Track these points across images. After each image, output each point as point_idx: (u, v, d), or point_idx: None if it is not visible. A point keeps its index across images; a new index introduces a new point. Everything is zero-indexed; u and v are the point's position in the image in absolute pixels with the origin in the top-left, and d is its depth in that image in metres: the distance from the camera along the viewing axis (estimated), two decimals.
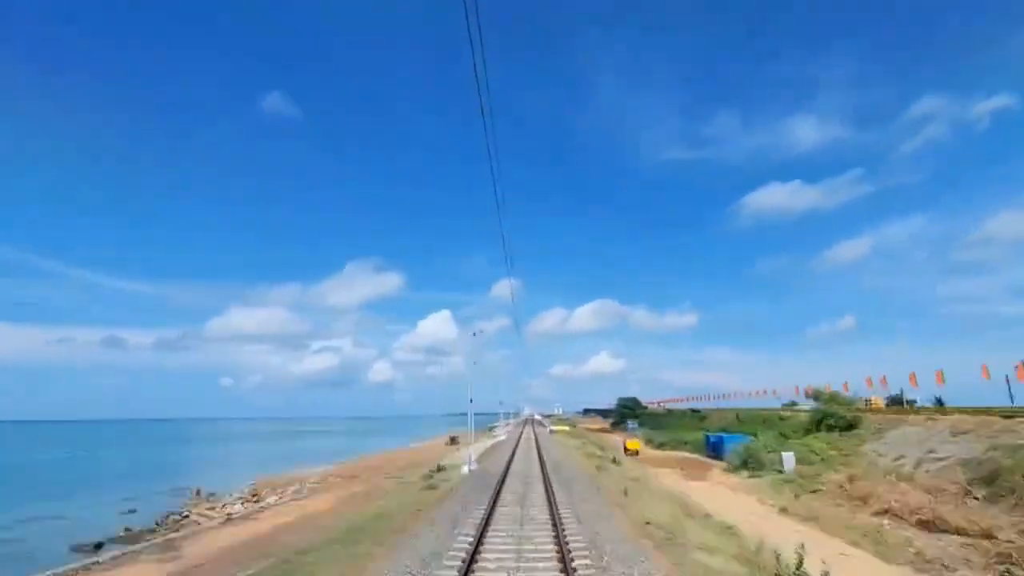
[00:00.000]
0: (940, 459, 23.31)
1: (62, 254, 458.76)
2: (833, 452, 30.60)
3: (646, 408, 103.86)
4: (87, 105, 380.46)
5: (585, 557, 11.40)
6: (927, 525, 18.23)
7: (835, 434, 33.96)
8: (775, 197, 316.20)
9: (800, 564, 10.90)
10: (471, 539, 12.80)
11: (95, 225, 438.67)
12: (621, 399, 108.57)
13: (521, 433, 74.26)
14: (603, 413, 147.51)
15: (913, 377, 40.16)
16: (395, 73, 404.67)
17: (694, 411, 78.42)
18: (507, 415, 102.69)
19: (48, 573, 15.34)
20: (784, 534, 16.45)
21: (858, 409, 38.77)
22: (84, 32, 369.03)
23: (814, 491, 24.85)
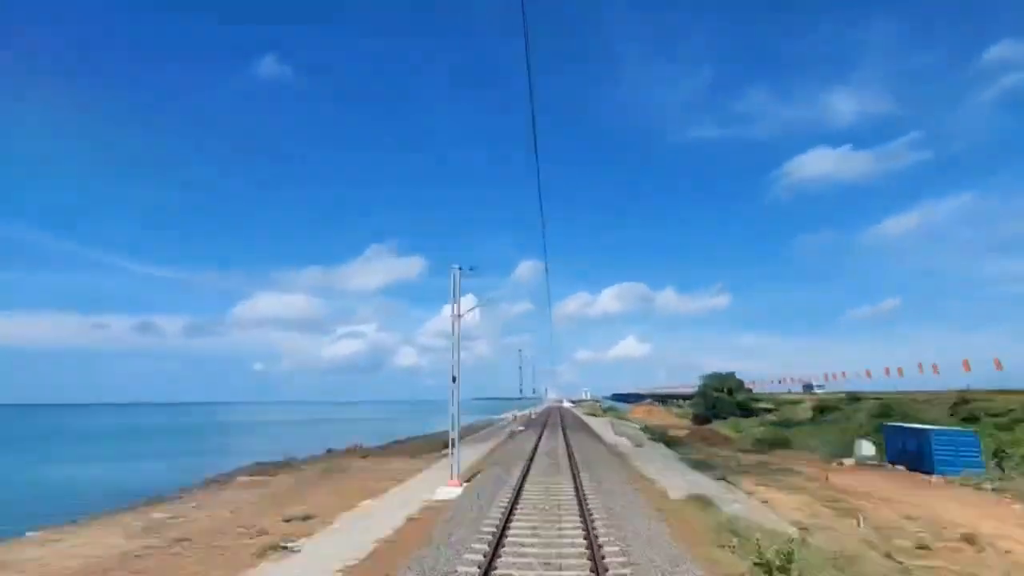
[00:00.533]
0: None
1: (96, 241, 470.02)
2: None
3: (750, 391, 68.94)
4: (113, 94, 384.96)
5: None
6: None
7: None
8: (821, 164, 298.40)
9: None
10: None
11: (124, 212, 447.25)
12: (708, 376, 69.53)
13: (536, 443, 32.37)
14: (661, 399, 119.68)
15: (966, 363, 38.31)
16: (416, 60, 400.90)
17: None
18: (524, 401, 75.62)
19: None
20: None
21: None
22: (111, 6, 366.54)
23: None
